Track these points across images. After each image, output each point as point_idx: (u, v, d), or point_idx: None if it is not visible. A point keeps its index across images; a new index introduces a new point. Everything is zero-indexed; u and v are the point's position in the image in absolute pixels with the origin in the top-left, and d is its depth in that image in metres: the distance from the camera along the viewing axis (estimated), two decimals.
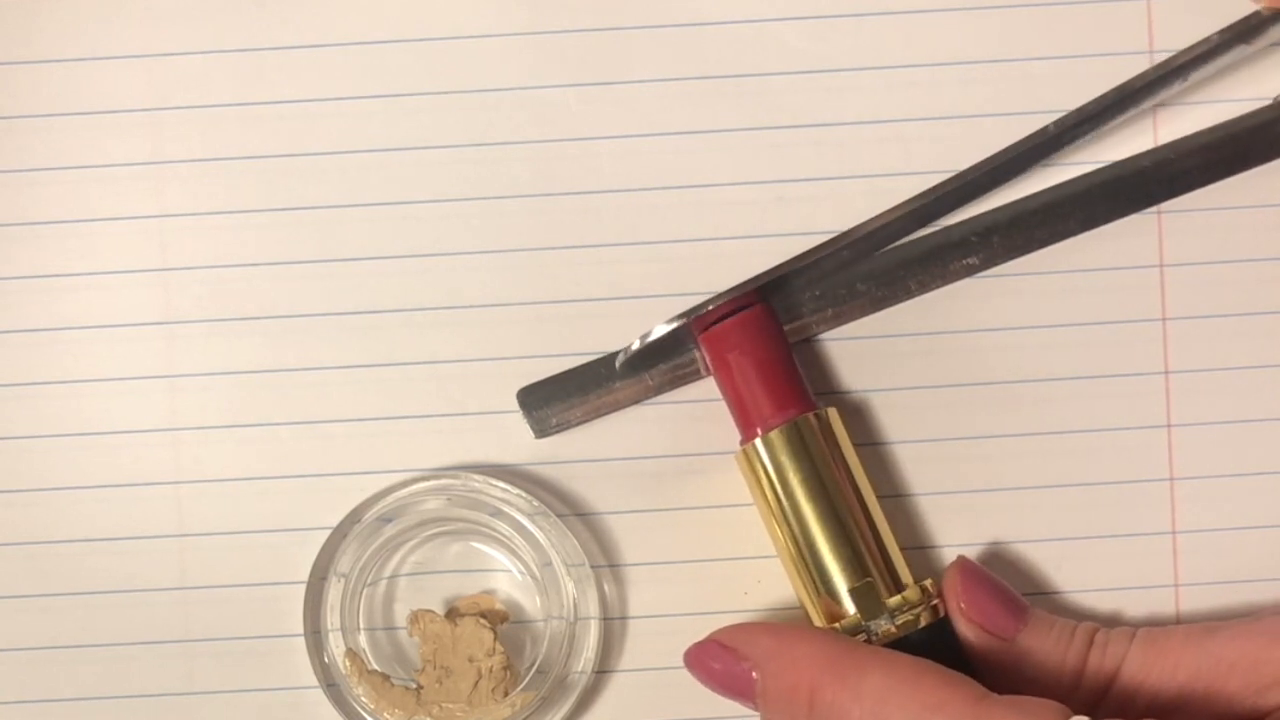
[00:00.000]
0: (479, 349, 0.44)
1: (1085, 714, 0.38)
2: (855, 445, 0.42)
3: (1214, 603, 0.44)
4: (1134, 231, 0.44)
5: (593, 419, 0.43)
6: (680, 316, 0.40)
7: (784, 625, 0.40)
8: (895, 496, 0.43)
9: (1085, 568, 0.44)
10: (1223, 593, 0.44)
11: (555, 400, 0.43)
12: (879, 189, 0.44)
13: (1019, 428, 0.44)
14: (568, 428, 0.43)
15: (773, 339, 0.41)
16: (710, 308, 0.40)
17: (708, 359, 0.42)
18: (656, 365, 0.43)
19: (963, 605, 0.40)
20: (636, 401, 0.43)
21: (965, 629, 0.40)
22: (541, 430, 0.43)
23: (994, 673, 0.40)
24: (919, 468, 0.44)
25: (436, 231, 0.44)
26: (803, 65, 0.44)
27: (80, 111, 0.44)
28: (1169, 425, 0.44)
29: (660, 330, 0.40)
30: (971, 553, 0.43)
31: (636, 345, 0.41)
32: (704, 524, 0.43)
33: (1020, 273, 0.44)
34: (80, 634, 0.43)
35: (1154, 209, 0.44)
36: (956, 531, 0.43)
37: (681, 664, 0.41)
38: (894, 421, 0.44)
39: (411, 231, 0.44)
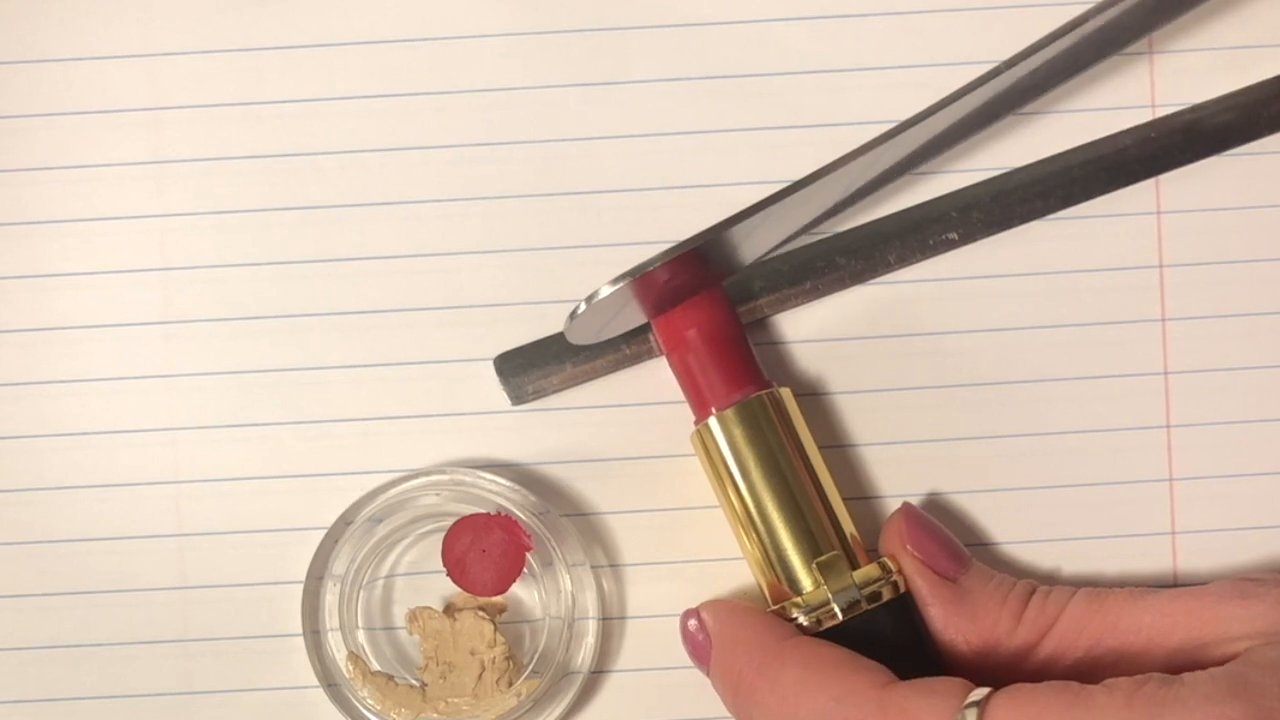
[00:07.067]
0: (479, 349, 0.44)
1: (1014, 664, 0.39)
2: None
3: None
4: (1134, 232, 0.44)
5: (570, 387, 0.43)
6: (624, 276, 0.39)
7: (746, 609, 0.41)
8: (894, 496, 0.43)
9: (1085, 568, 0.44)
10: None
11: (533, 367, 0.43)
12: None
13: (1018, 428, 0.44)
14: (544, 395, 0.43)
15: (725, 319, 0.41)
16: (654, 267, 0.38)
17: (661, 343, 0.42)
18: (619, 341, 0.43)
19: (908, 546, 0.41)
20: (613, 371, 0.43)
21: (910, 567, 0.40)
22: (518, 397, 0.43)
23: (943, 610, 0.40)
24: (919, 467, 0.44)
25: (437, 231, 0.44)
26: (803, 65, 0.44)
27: (80, 111, 0.44)
28: (1169, 425, 0.44)
29: (606, 291, 0.39)
30: (971, 553, 0.43)
31: (583, 308, 0.39)
32: (704, 524, 0.43)
33: (1020, 272, 0.44)
34: (80, 634, 0.43)
35: (1154, 210, 0.44)
36: (956, 531, 0.43)
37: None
38: (893, 420, 0.44)
39: (411, 231, 0.44)
